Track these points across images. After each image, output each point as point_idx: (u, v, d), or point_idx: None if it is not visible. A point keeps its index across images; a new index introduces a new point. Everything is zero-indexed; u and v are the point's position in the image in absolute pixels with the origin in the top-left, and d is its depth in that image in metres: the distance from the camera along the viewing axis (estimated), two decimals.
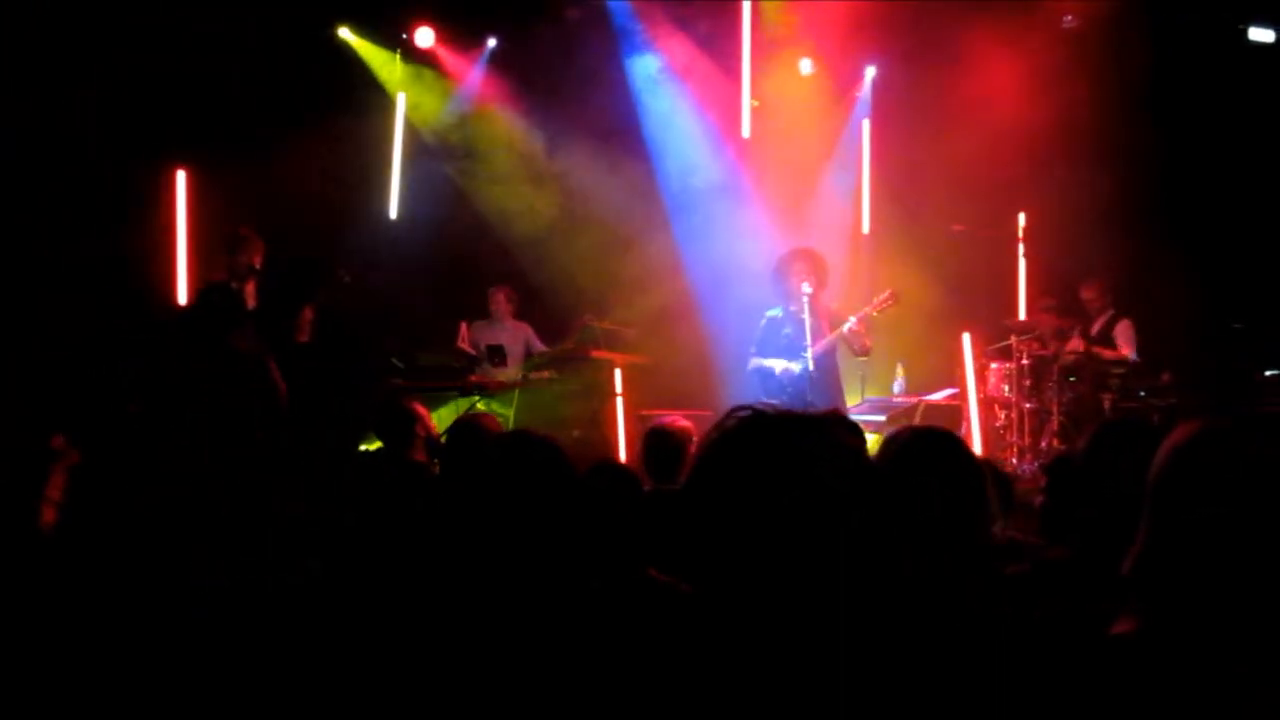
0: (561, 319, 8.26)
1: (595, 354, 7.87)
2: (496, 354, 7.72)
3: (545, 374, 7.92)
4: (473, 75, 8.78)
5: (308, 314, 6.50)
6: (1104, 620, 1.73)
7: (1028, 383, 7.65)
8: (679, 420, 4.45)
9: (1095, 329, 7.87)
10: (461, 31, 8.73)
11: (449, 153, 8.79)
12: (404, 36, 8.56)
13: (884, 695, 1.43)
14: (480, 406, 7.24)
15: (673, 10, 8.65)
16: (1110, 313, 7.88)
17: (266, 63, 7.59)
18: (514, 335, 8.10)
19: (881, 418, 7.77)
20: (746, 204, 8.91)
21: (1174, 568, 1.59)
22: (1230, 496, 1.62)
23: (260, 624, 2.18)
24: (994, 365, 7.80)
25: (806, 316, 6.53)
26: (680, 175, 8.73)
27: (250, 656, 2.11)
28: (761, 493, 1.40)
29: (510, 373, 7.82)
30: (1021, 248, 8.16)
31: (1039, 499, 2.98)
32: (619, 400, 7.95)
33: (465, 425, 4.48)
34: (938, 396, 8.01)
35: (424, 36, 8.56)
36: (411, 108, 8.67)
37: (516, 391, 7.67)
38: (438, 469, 4.45)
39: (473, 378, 7.68)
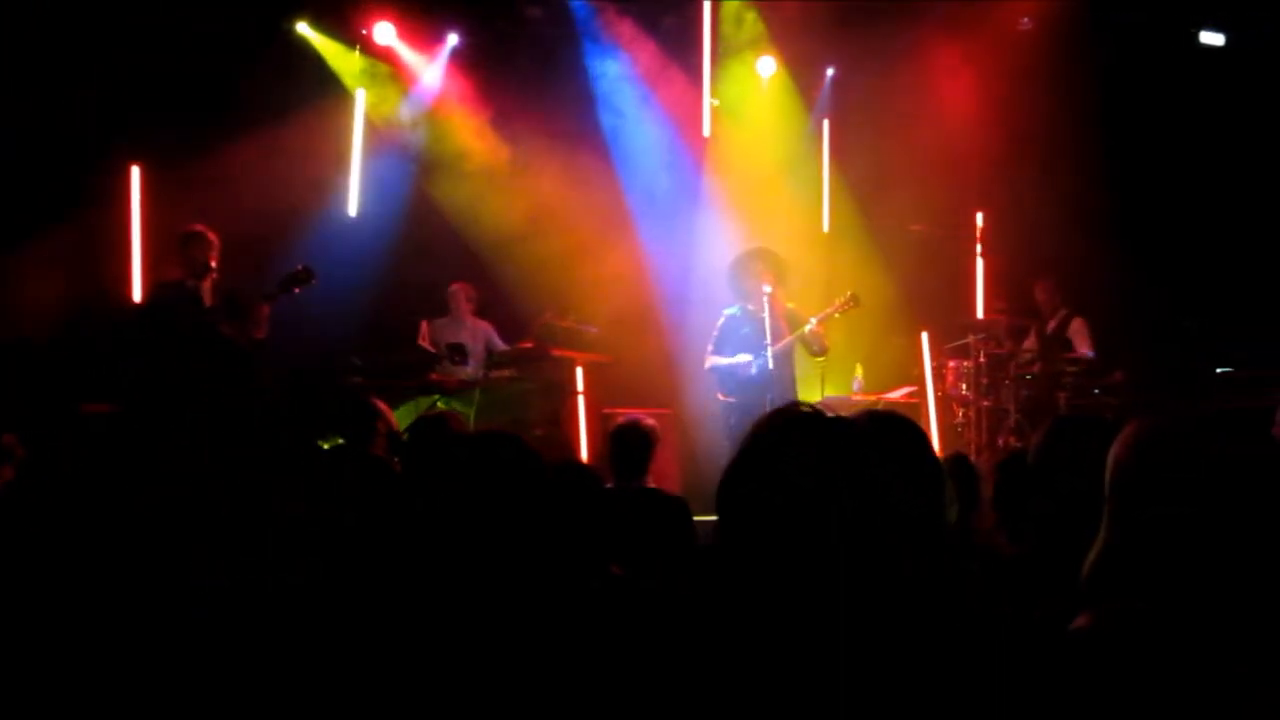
0: (522, 317, 8.24)
1: (556, 353, 7.86)
2: (457, 352, 7.68)
3: (506, 372, 7.90)
4: (433, 72, 8.73)
5: (264, 310, 6.44)
6: (1057, 615, 1.76)
7: (985, 381, 7.74)
8: (645, 419, 4.48)
9: (1050, 328, 7.98)
10: (422, 28, 8.68)
11: (408, 150, 8.73)
12: (363, 32, 8.49)
13: (857, 688, 1.44)
14: (441, 405, 7.20)
15: (634, 9, 8.66)
16: (1064, 311, 7.99)
17: (223, 57, 7.51)
18: (474, 333, 8.06)
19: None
20: (706, 203, 8.94)
21: (1132, 565, 1.62)
22: (1191, 495, 1.66)
23: (238, 623, 2.16)
24: (952, 364, 7.89)
25: (766, 315, 6.57)
26: (641, 174, 8.74)
27: (219, 655, 2.09)
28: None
29: (471, 371, 7.79)
30: (979, 247, 8.26)
31: (989, 495, 3.03)
32: (580, 399, 7.95)
33: (429, 422, 4.47)
34: (896, 395, 8.09)
35: (383, 32, 8.50)
36: (371, 104, 8.60)
37: (477, 390, 7.64)
38: (398, 466, 4.43)
39: (433, 376, 7.64)
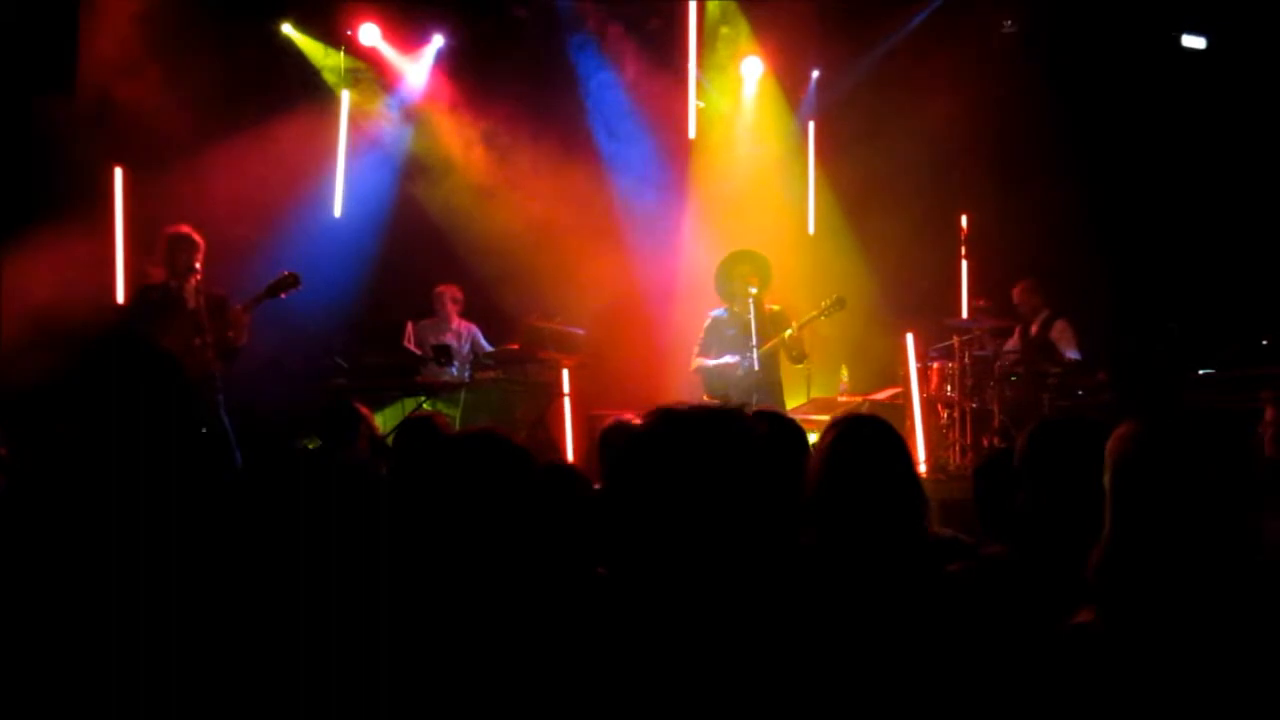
0: (508, 319, 8.23)
1: (542, 354, 7.85)
2: (442, 354, 7.66)
3: (492, 374, 7.89)
4: (418, 72, 8.72)
5: (245, 316, 6.42)
6: (1049, 613, 1.77)
7: (969, 382, 7.76)
8: (635, 419, 4.45)
9: (1034, 329, 8.01)
10: (407, 29, 8.66)
11: (394, 151, 8.71)
12: (348, 33, 8.47)
13: (831, 684, 1.45)
14: (426, 406, 7.18)
15: (620, 11, 8.66)
16: (1046, 312, 8.03)
17: (207, 58, 7.48)
18: (460, 335, 8.05)
19: (825, 417, 7.84)
20: (692, 205, 8.95)
21: (1134, 561, 1.63)
22: (1186, 492, 1.68)
23: (222, 627, 2.15)
24: (936, 365, 7.91)
25: (752, 317, 6.58)
26: (627, 175, 8.73)
27: (202, 658, 2.08)
28: (676, 485, 1.41)
29: (456, 373, 7.77)
30: (963, 249, 8.29)
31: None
32: (566, 400, 7.94)
33: (416, 424, 4.45)
34: (881, 396, 8.11)
35: (368, 34, 8.48)
36: (356, 106, 8.58)
37: (463, 392, 7.62)
38: (383, 469, 4.41)
39: (418, 378, 7.62)
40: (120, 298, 7.13)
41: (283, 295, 6.41)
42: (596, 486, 2.91)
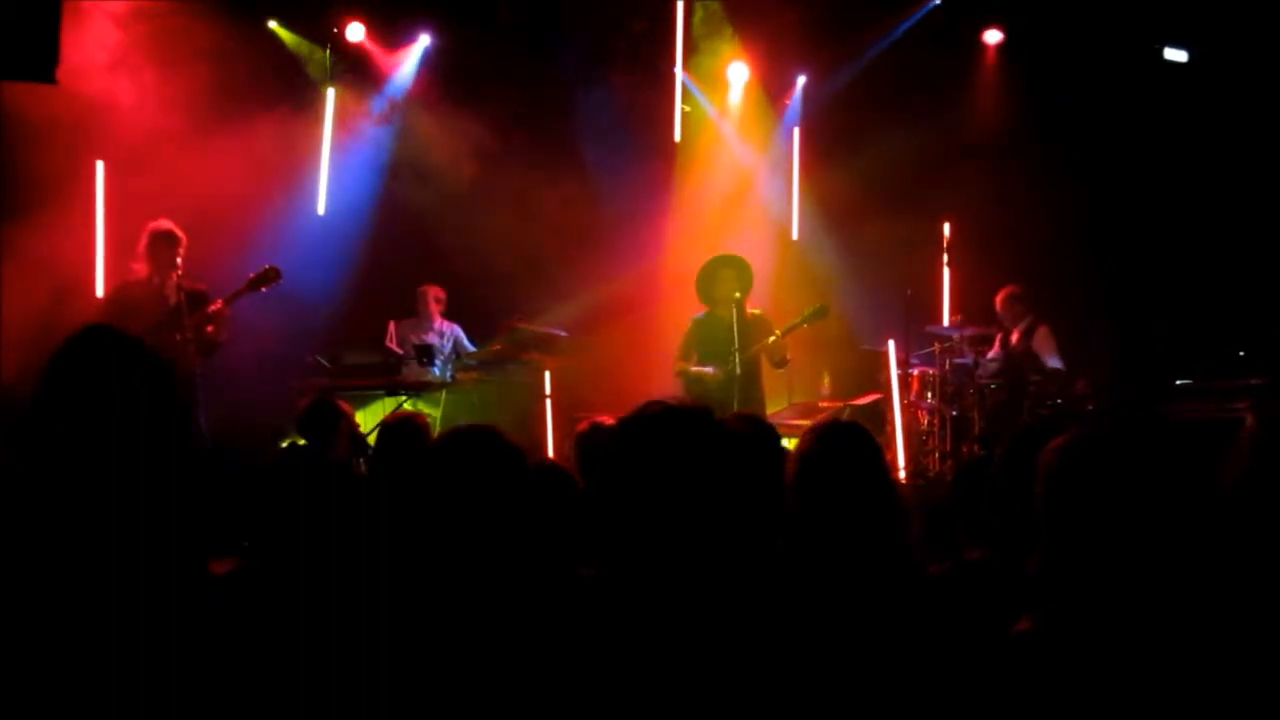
0: (491, 320, 8.21)
1: (525, 356, 7.84)
2: (425, 354, 7.64)
3: (474, 375, 7.87)
4: (404, 72, 8.70)
5: (226, 311, 6.39)
6: (1011, 620, 1.78)
7: (950, 389, 7.80)
8: (612, 421, 4.45)
9: (1015, 337, 8.05)
10: (393, 28, 8.64)
11: (379, 149, 8.69)
12: (334, 31, 8.45)
13: (810, 686, 1.45)
14: (408, 406, 7.17)
15: (606, 14, 8.66)
16: (1028, 320, 8.07)
17: (191, 52, 7.45)
18: (443, 335, 8.03)
19: (806, 422, 7.86)
20: (676, 209, 8.96)
21: (1065, 568, 1.65)
22: (1109, 500, 1.70)
23: (202, 625, 2.14)
24: (917, 372, 7.94)
25: (735, 322, 6.60)
26: (611, 179, 8.73)
27: (183, 658, 2.06)
28: (651, 484, 1.41)
29: (439, 373, 7.75)
30: (946, 256, 8.33)
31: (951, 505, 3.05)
32: (549, 402, 7.93)
33: (396, 423, 4.43)
34: (862, 402, 8.13)
35: (355, 31, 8.46)
36: (341, 103, 8.55)
37: (444, 392, 7.61)
38: (363, 468, 4.41)
39: (400, 378, 7.60)
40: (100, 293, 7.09)
41: (264, 289, 6.39)
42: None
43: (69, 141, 7.06)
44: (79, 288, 7.10)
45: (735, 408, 6.32)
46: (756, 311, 6.94)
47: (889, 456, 7.40)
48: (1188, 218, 8.50)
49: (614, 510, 1.50)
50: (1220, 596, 1.65)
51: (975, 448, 7.36)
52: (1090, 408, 7.43)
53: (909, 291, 7.86)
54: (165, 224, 6.47)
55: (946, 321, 8.35)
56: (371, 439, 4.71)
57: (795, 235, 9.31)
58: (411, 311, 8.09)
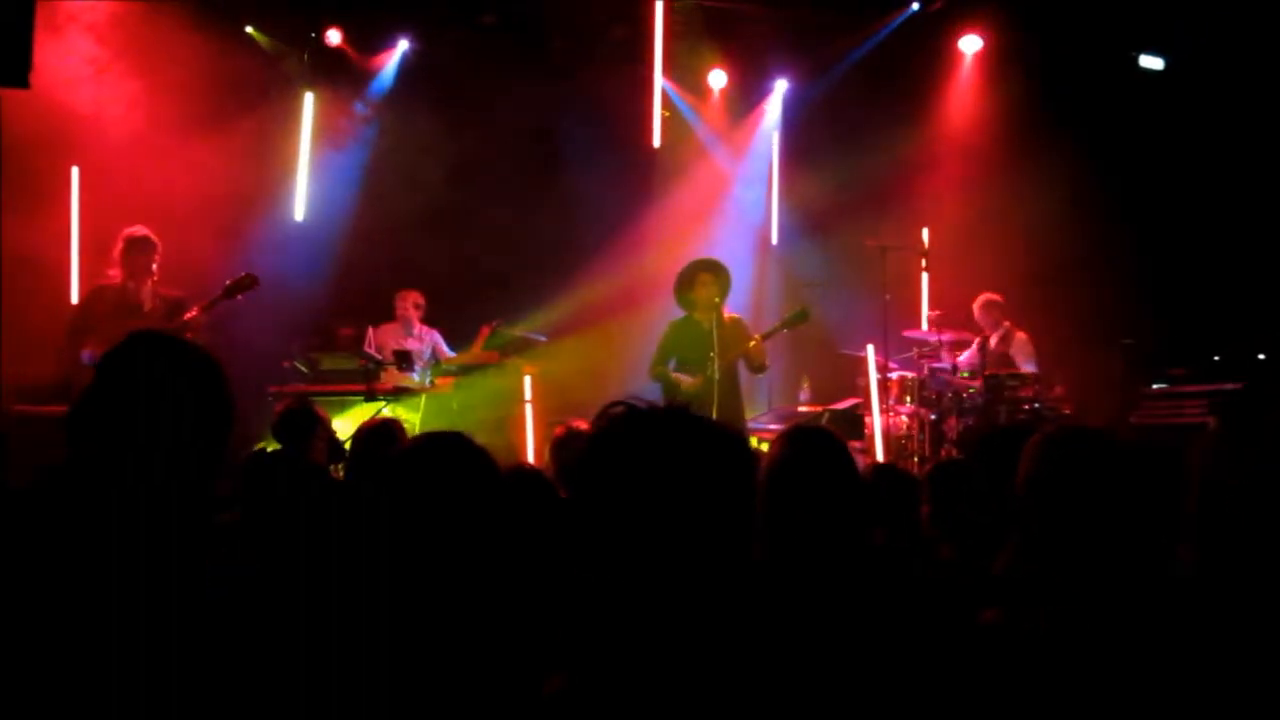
0: (470, 325, 8.20)
1: (504, 360, 7.83)
2: (403, 359, 7.61)
3: (453, 380, 7.85)
4: (383, 76, 8.68)
5: (203, 319, 6.35)
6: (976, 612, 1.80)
7: (928, 394, 7.84)
8: (587, 426, 4.45)
9: (993, 342, 8.10)
10: (372, 33, 8.62)
11: (357, 155, 8.66)
12: (313, 35, 8.42)
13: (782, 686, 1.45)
14: (386, 412, 7.14)
15: (586, 19, 8.66)
16: (1006, 326, 8.12)
17: (168, 56, 7.41)
18: (422, 340, 8.01)
19: (784, 427, 7.88)
20: (655, 213, 8.97)
21: (1039, 561, 1.67)
22: (1086, 500, 1.72)
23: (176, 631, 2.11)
24: (896, 376, 7.97)
25: (714, 326, 6.61)
26: (590, 184, 8.74)
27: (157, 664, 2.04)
28: (640, 485, 1.40)
29: (417, 378, 7.73)
30: (924, 262, 8.37)
31: (924, 505, 3.07)
32: (528, 407, 7.92)
33: (373, 429, 4.42)
34: (842, 407, 8.16)
35: (333, 37, 8.44)
36: (319, 108, 8.53)
37: (423, 397, 7.58)
38: (339, 473, 4.39)
39: (379, 383, 7.56)
40: (75, 299, 7.04)
41: (239, 297, 6.36)
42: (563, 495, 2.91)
43: (44, 147, 7.01)
44: (54, 294, 7.05)
45: (714, 413, 6.32)
46: (735, 316, 6.95)
47: (868, 461, 7.42)
48: (1163, 224, 8.57)
49: (585, 518, 1.49)
50: (1188, 593, 1.67)
51: (952, 451, 7.40)
52: (1066, 411, 7.49)
53: (887, 297, 7.89)
54: (141, 230, 6.43)
55: (925, 326, 8.39)
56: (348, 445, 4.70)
57: (774, 240, 9.33)
58: (390, 317, 8.07)
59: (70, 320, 6.60)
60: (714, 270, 6.88)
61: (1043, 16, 8.60)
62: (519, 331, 7.94)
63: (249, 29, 8.24)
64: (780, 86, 9.39)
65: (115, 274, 6.45)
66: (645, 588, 1.40)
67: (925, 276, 8.53)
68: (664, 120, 8.90)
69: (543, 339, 8.04)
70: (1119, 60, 8.85)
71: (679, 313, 6.99)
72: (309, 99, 8.45)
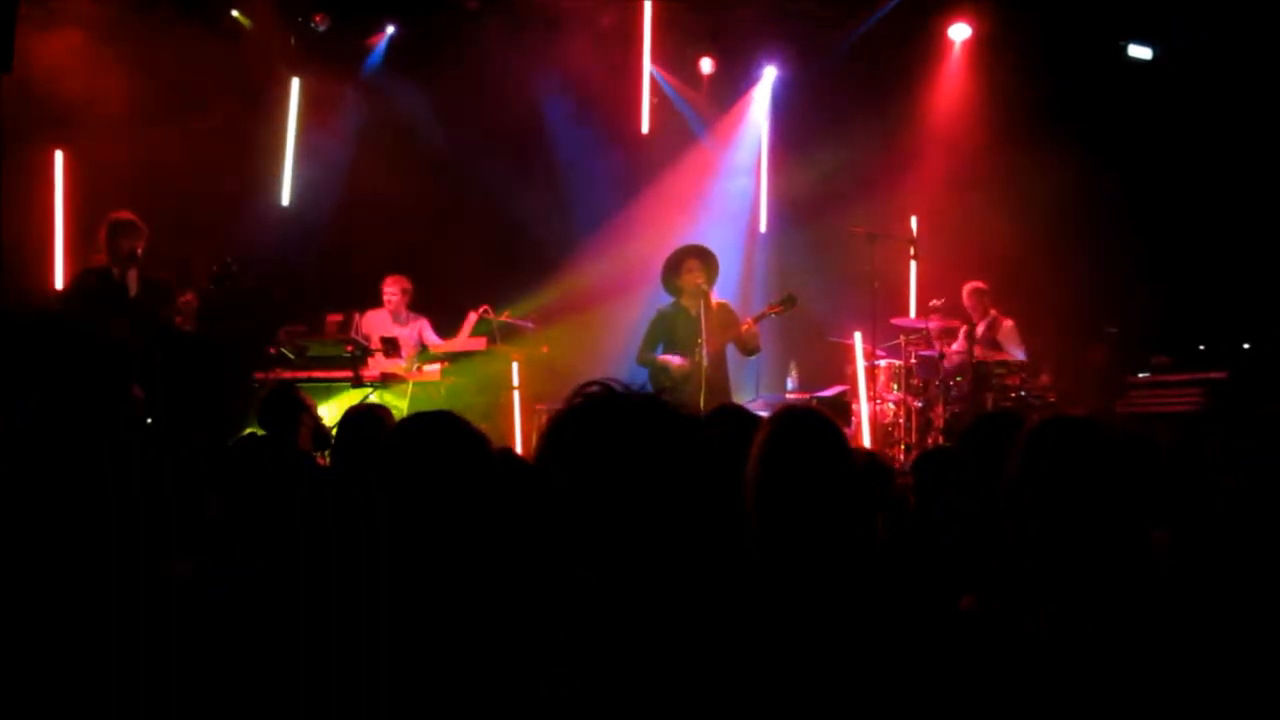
0: (457, 312, 8.17)
1: (492, 347, 7.81)
2: (390, 346, 7.59)
3: (440, 366, 7.83)
4: (370, 62, 8.63)
5: (192, 302, 6.33)
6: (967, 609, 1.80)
7: (915, 381, 7.86)
8: None
9: (980, 330, 8.12)
10: (359, 18, 8.57)
11: (344, 141, 8.62)
12: (299, 20, 8.36)
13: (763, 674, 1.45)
14: (374, 398, 7.12)
15: (574, 5, 8.63)
16: (993, 313, 8.14)
17: (153, 40, 7.35)
18: (409, 327, 7.99)
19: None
20: (644, 200, 8.96)
21: (1029, 557, 1.67)
22: (1075, 489, 1.72)
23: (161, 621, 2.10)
24: (883, 364, 7.99)
25: (702, 313, 6.60)
26: (579, 170, 8.71)
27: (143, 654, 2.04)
28: (609, 467, 1.39)
29: (404, 365, 7.71)
30: (912, 249, 8.38)
31: (910, 494, 3.08)
32: (516, 394, 7.91)
33: (359, 415, 4.40)
34: (829, 394, 8.17)
35: (321, 21, 8.38)
36: (305, 93, 8.47)
37: (410, 384, 7.56)
38: (324, 460, 4.37)
39: (365, 370, 7.55)
40: (59, 284, 7.00)
41: (227, 284, 6.33)
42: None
43: (28, 131, 6.96)
44: (38, 279, 7.01)
45: (702, 399, 6.32)
46: (723, 302, 6.95)
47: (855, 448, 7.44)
48: (1151, 213, 8.60)
49: (565, 503, 1.47)
50: (1166, 579, 1.67)
51: (939, 439, 7.42)
52: (1052, 399, 7.51)
53: (875, 284, 7.89)
54: (126, 214, 6.38)
55: (913, 314, 8.41)
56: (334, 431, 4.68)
57: (763, 227, 9.33)
58: (378, 303, 8.04)
59: (55, 306, 6.56)
60: (702, 256, 6.86)
61: (1032, 6, 8.60)
62: (507, 318, 7.92)
63: (235, 13, 8.18)
64: (769, 74, 9.37)
65: (100, 259, 6.41)
66: (615, 569, 1.39)
67: (914, 264, 8.54)
68: (652, 107, 8.87)
69: (530, 325, 8.02)
70: (1107, 49, 8.85)
71: (667, 299, 6.98)
72: (295, 84, 8.40)
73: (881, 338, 8.04)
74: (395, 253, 8.33)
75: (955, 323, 8.18)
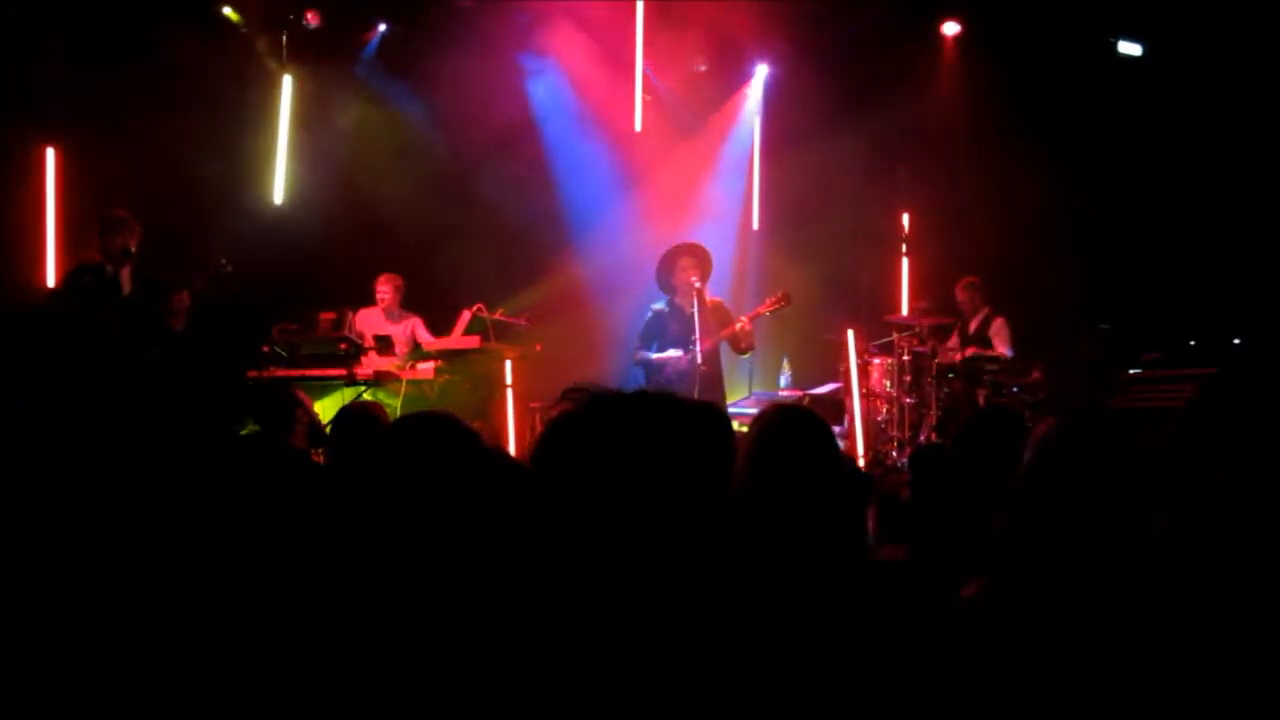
0: (451, 310, 8.18)
1: (486, 346, 7.81)
2: (384, 344, 7.59)
3: (434, 365, 7.83)
4: (363, 60, 8.62)
5: (185, 300, 6.32)
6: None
7: (908, 378, 7.87)
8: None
9: (972, 327, 8.15)
10: (352, 15, 8.56)
11: (337, 139, 8.61)
12: (291, 17, 8.35)
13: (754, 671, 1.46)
14: (367, 396, 7.12)
15: (567, 3, 8.63)
16: (986, 311, 8.17)
17: (146, 38, 7.33)
18: (402, 325, 7.99)
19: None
20: (637, 198, 8.96)
21: (1031, 545, 1.68)
22: (1091, 483, 1.73)
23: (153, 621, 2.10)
24: (876, 361, 8.01)
25: (695, 311, 6.62)
26: (572, 168, 8.71)
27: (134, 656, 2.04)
28: (602, 470, 1.39)
29: (397, 363, 7.70)
30: (904, 247, 8.40)
31: (904, 491, 3.09)
32: (509, 392, 7.91)
33: (353, 413, 4.41)
34: (822, 391, 8.19)
35: (312, 18, 8.36)
36: (298, 90, 8.46)
37: (404, 382, 7.56)
38: (319, 457, 4.37)
39: (359, 368, 7.54)
40: (52, 282, 6.98)
41: (220, 283, 6.33)
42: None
43: (19, 128, 6.94)
44: (29, 278, 6.99)
45: (695, 397, 6.33)
46: (716, 300, 6.96)
47: (848, 446, 7.46)
48: (1142, 210, 8.63)
49: (563, 505, 1.48)
50: (1164, 563, 1.69)
51: (932, 436, 7.44)
52: (1043, 396, 7.54)
53: (868, 281, 7.92)
54: (118, 212, 6.37)
55: (905, 311, 8.43)
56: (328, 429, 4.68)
57: (755, 225, 9.34)
58: (371, 301, 8.03)
59: (47, 305, 6.54)
60: (695, 254, 6.88)
61: (1022, 2, 8.62)
62: (500, 316, 7.92)
63: (226, 10, 8.16)
64: (761, 71, 9.37)
65: (92, 257, 6.39)
66: (614, 569, 1.39)
67: (905, 261, 8.56)
68: (645, 104, 8.88)
69: (524, 323, 8.02)
70: (1097, 46, 8.88)
71: (660, 297, 7.00)
72: (287, 81, 8.38)
73: (875, 335, 8.06)
74: (388, 251, 8.33)
75: (948, 320, 8.21)
